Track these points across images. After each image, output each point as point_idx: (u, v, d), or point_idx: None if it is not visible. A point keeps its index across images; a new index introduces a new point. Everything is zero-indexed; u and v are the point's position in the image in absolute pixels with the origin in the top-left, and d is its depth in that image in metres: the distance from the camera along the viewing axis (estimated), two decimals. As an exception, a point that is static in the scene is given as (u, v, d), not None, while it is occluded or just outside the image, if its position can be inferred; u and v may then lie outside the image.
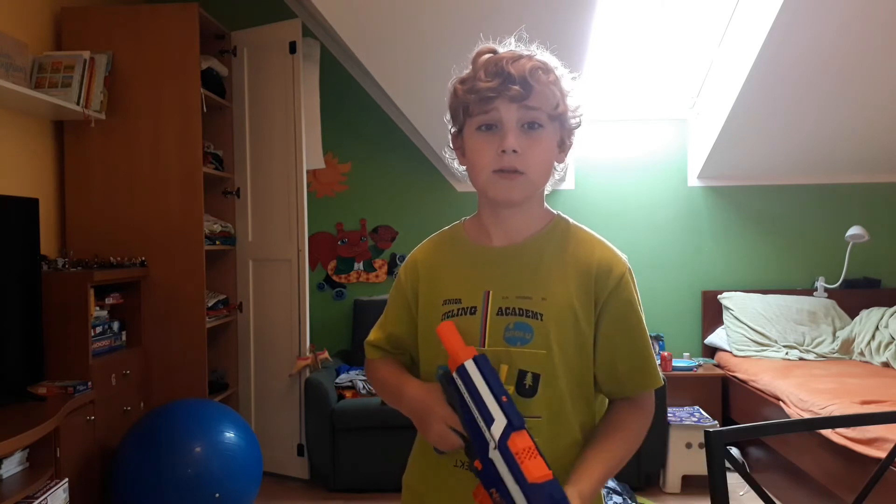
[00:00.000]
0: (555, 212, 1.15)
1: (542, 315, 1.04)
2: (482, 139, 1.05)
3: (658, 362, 1.11)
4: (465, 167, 1.12)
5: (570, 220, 1.14)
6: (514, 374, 1.04)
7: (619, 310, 1.07)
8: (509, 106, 1.02)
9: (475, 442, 0.96)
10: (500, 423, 0.92)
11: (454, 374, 0.99)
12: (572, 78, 1.08)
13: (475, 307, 1.07)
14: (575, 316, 1.05)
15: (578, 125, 1.10)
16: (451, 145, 1.14)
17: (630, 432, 1.08)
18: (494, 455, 0.92)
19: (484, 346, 1.05)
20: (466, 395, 0.96)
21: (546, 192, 1.13)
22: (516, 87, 1.01)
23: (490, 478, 0.92)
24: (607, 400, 1.14)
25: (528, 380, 1.04)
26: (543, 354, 1.04)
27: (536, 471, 0.87)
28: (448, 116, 1.12)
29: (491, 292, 1.07)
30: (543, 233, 1.11)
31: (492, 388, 0.95)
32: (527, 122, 1.03)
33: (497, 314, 1.06)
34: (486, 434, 0.93)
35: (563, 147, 1.10)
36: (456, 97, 1.08)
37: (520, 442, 0.90)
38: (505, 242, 1.11)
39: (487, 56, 1.06)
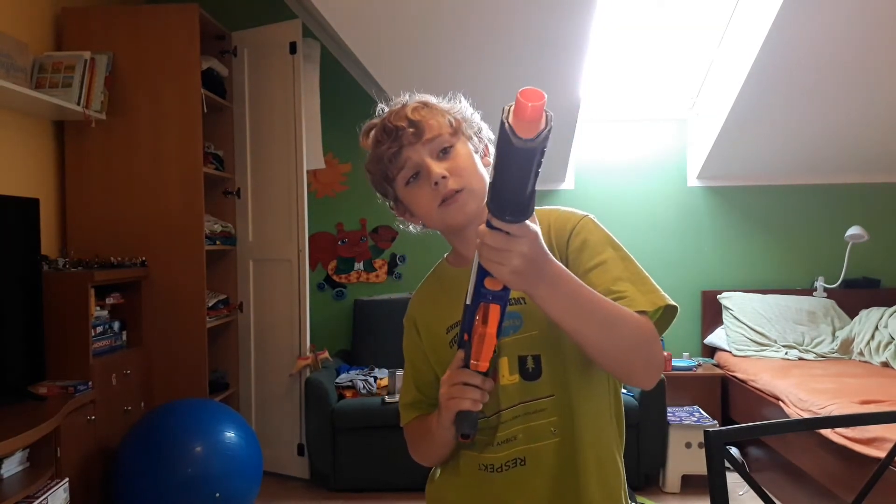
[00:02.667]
0: None
1: (524, 299, 1.05)
2: (414, 189, 1.09)
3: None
4: (419, 225, 1.17)
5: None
6: (514, 362, 1.05)
7: (581, 253, 1.06)
8: (415, 148, 1.07)
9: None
10: None
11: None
12: (448, 100, 1.13)
13: None
14: None
15: (480, 129, 1.14)
16: (397, 218, 1.19)
17: (624, 312, 0.97)
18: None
19: None
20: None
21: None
22: (409, 130, 1.07)
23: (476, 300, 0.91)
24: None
25: (530, 363, 1.05)
26: (536, 335, 1.05)
27: None
28: (380, 198, 1.18)
29: None
30: None
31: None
32: (437, 151, 1.08)
33: None
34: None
35: (477, 150, 1.13)
36: (373, 175, 1.13)
37: None
38: None
39: (373, 130, 1.12)
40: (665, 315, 1.03)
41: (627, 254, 1.06)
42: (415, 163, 1.07)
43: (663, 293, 1.02)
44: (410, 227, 1.19)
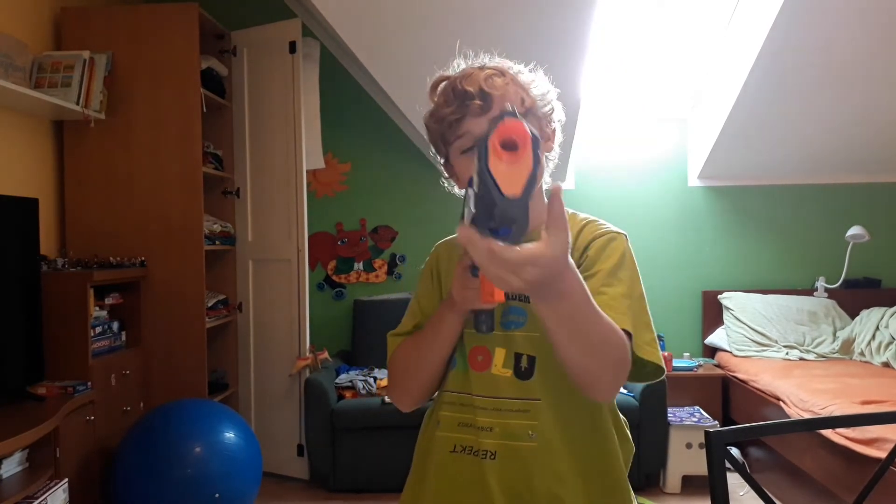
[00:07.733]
0: None
1: None
2: (467, 161, 1.04)
3: (661, 351, 1.04)
4: (462, 191, 1.13)
5: (571, 210, 1.14)
6: (510, 357, 1.05)
7: (593, 267, 1.02)
8: (477, 121, 1.02)
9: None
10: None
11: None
12: (529, 70, 1.08)
13: None
14: None
15: (552, 110, 1.09)
16: (445, 175, 1.15)
17: (613, 336, 0.92)
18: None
19: None
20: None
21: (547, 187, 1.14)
22: (476, 102, 1.01)
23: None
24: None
25: (524, 362, 1.04)
26: (537, 337, 1.03)
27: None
28: (432, 152, 1.14)
29: None
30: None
31: None
32: None
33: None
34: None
35: (544, 136, 1.09)
36: (431, 131, 1.09)
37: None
38: None
39: (442, 84, 1.07)
40: (652, 372, 1.01)
41: (622, 281, 1.01)
42: (474, 136, 1.02)
43: (628, 321, 0.97)
44: (455, 189, 1.15)
